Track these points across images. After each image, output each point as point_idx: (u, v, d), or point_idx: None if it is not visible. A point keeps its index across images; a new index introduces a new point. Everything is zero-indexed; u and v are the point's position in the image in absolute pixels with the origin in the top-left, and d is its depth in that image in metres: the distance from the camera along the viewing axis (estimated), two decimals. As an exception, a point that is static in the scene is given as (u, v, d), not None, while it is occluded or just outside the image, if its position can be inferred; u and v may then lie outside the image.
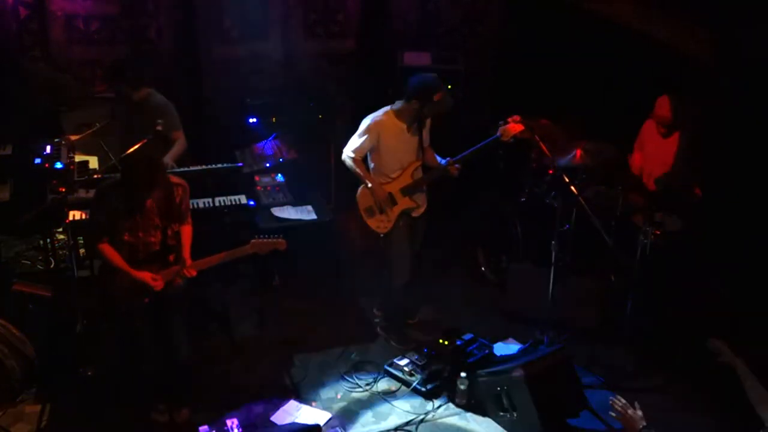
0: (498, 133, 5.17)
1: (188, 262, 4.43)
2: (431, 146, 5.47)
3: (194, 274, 4.44)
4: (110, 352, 5.12)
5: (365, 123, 5.21)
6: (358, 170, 5.29)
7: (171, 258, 4.49)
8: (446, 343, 5.26)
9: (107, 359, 5.07)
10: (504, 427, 4.75)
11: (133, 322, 4.46)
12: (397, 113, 5.20)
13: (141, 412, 4.76)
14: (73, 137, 6.11)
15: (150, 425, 4.68)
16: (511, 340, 5.53)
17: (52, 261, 5.94)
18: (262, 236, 4.59)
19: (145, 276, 4.32)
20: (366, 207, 5.37)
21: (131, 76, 5.60)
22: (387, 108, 5.24)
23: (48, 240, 5.89)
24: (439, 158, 5.41)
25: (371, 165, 5.35)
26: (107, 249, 4.33)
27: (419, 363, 5.15)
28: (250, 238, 4.65)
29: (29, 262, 6.24)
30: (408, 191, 5.33)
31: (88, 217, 4.49)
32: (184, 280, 4.48)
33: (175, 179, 4.47)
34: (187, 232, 4.56)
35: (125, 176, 4.22)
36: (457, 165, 5.27)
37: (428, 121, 5.35)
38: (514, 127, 5.14)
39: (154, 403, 4.71)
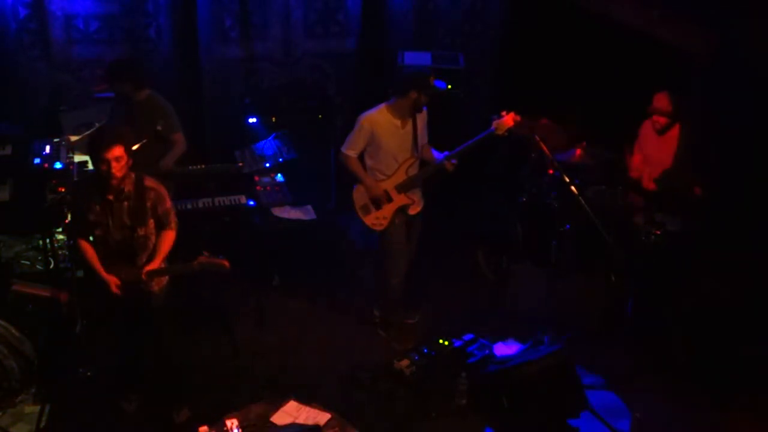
0: (492, 127, 5.18)
1: (146, 267, 4.36)
2: (430, 144, 5.47)
3: (145, 278, 4.36)
4: (109, 352, 5.12)
5: (359, 120, 5.23)
6: (354, 168, 5.30)
7: (142, 260, 4.45)
8: (446, 343, 5.26)
9: (106, 359, 5.07)
10: (504, 427, 4.75)
11: (111, 316, 4.52)
12: (391, 110, 5.21)
13: (141, 411, 4.77)
14: (73, 137, 6.13)
15: (150, 425, 4.69)
16: (511, 340, 5.53)
17: (52, 261, 5.94)
18: (210, 254, 4.42)
19: (111, 280, 4.34)
20: (362, 205, 5.38)
21: (132, 76, 5.61)
22: (381, 105, 5.26)
23: (48, 240, 5.89)
24: (437, 153, 5.41)
25: (367, 163, 5.35)
26: (85, 246, 4.38)
27: (419, 363, 5.15)
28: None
29: (29, 262, 6.24)
30: (403, 188, 5.33)
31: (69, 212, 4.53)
32: (162, 286, 4.51)
33: (149, 183, 4.39)
34: (167, 237, 4.47)
35: (93, 152, 4.20)
36: (453, 161, 5.28)
37: (425, 118, 5.35)
38: (508, 120, 5.15)
39: (125, 393, 4.79)
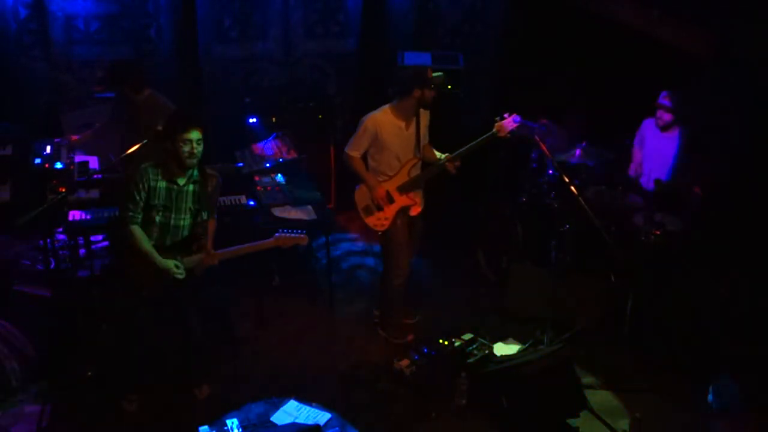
0: (494, 129, 5.18)
1: (211, 251, 4.57)
2: (430, 144, 5.47)
3: (216, 262, 4.59)
4: (110, 352, 5.13)
5: (363, 121, 5.23)
6: (357, 168, 5.30)
7: (195, 247, 4.59)
8: (446, 343, 5.26)
9: (106, 359, 5.08)
10: (504, 427, 4.75)
11: (144, 307, 4.55)
12: (395, 110, 5.21)
13: (141, 411, 4.78)
14: (73, 137, 6.14)
15: (150, 425, 4.70)
16: (511, 340, 5.53)
17: (52, 261, 5.94)
18: (285, 231, 4.71)
19: (170, 264, 4.42)
20: (364, 206, 5.38)
21: (132, 77, 5.61)
22: (385, 106, 5.25)
23: (48, 240, 5.89)
24: (438, 154, 5.41)
25: (370, 164, 5.35)
26: (138, 232, 4.40)
27: (419, 363, 5.15)
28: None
29: (29, 262, 6.24)
30: (405, 189, 5.33)
31: (124, 195, 4.56)
32: (200, 269, 4.61)
33: (209, 170, 4.61)
34: (212, 225, 4.70)
35: (174, 134, 4.30)
36: (456, 162, 5.28)
37: (426, 118, 5.35)
38: (509, 123, 5.15)
39: (125, 393, 4.79)
